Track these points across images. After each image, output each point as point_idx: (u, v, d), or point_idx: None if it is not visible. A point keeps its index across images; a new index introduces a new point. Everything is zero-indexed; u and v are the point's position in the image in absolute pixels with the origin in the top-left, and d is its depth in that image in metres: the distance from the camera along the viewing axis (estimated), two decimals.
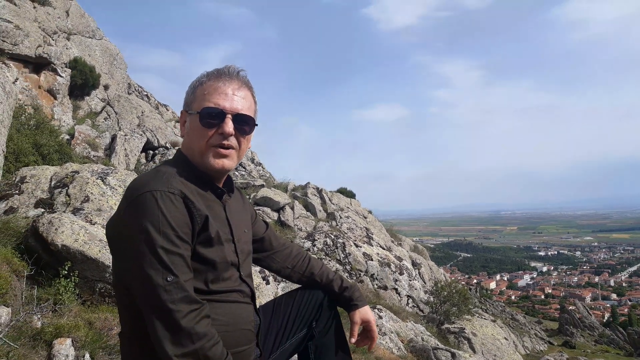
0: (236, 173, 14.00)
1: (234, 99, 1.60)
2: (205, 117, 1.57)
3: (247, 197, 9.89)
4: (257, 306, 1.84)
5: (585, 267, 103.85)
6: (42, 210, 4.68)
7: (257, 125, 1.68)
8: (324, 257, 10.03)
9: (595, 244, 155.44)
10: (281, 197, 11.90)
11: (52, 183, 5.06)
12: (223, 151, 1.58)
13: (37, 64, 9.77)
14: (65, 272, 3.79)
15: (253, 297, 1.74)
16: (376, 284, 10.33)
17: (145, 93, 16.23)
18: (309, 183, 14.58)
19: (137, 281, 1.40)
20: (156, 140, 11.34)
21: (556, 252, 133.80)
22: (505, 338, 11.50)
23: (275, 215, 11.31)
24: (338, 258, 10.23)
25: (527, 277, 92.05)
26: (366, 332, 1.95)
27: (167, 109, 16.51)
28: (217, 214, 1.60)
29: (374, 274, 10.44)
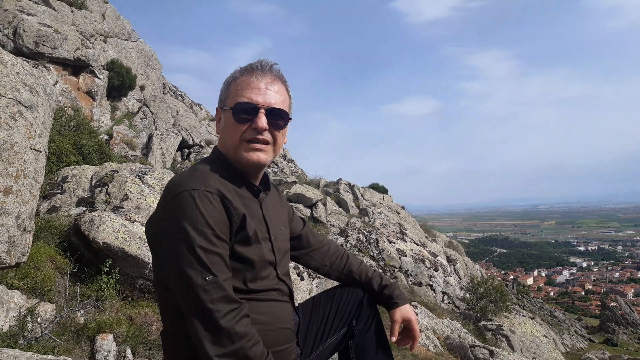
0: (268, 170, 14.09)
1: (267, 93, 1.58)
2: (238, 112, 1.56)
3: None
4: (296, 304, 1.83)
5: (627, 262, 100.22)
6: (84, 208, 4.81)
7: (291, 119, 1.66)
8: (357, 253, 9.99)
9: (638, 238, 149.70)
10: (313, 194, 11.90)
11: (93, 182, 5.19)
12: (257, 145, 1.57)
13: (76, 67, 10.04)
14: (107, 269, 3.88)
15: (291, 296, 1.73)
16: (410, 281, 10.22)
17: (180, 93, 16.50)
18: (340, 179, 14.53)
19: (177, 281, 1.40)
20: (191, 138, 11.52)
21: (596, 247, 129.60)
22: (545, 335, 11.20)
23: (307, 212, 11.32)
24: (371, 254, 10.17)
25: (566, 272, 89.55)
26: (407, 331, 1.91)
27: (200, 108, 16.74)
28: (254, 212, 1.59)
29: (408, 270, 10.33)
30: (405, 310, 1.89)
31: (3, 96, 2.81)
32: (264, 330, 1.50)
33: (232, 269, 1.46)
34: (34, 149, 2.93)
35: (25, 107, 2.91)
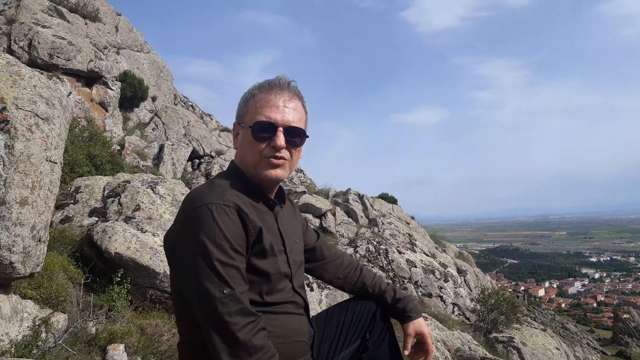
0: None
1: (285, 112, 1.61)
2: (257, 130, 1.59)
3: None
4: (310, 317, 1.83)
5: (639, 274, 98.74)
6: (96, 219, 4.85)
7: (307, 137, 1.69)
8: (366, 264, 9.95)
9: None
10: (322, 204, 11.90)
11: (105, 192, 5.24)
12: (276, 161, 1.60)
13: (89, 78, 10.17)
14: (118, 279, 3.91)
15: (306, 308, 1.74)
16: (420, 292, 10.15)
17: (191, 103, 16.63)
18: (349, 189, 14.52)
19: (194, 293, 1.42)
20: (202, 149, 11.60)
21: (609, 258, 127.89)
22: (557, 348, 11.05)
23: (317, 222, 11.32)
24: (381, 265, 10.13)
25: (578, 284, 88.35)
26: (420, 345, 1.90)
27: (211, 119, 16.85)
28: (269, 225, 1.61)
29: (417, 281, 10.27)
30: (419, 324, 1.88)
31: (20, 108, 2.85)
32: (280, 343, 1.51)
33: (248, 281, 1.48)
34: (50, 161, 2.97)
35: (42, 119, 2.95)
